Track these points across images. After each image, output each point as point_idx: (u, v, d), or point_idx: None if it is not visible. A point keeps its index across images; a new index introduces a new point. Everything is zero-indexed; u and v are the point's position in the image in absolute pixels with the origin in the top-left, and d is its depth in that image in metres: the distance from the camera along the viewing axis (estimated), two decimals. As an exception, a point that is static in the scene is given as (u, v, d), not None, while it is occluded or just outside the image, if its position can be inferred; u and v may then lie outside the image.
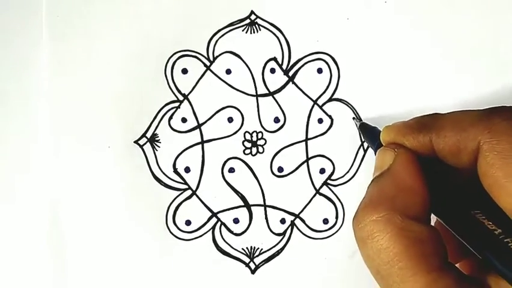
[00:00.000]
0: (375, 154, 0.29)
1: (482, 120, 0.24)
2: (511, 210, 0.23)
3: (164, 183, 0.34)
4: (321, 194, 0.34)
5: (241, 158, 0.34)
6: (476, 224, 0.24)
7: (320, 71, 0.34)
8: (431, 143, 0.25)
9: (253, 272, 0.34)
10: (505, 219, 0.23)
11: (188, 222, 0.34)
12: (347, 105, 0.34)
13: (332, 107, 0.34)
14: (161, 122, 0.34)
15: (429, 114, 0.26)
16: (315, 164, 0.34)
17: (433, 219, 0.26)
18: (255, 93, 0.34)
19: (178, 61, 0.34)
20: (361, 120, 0.33)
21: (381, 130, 0.28)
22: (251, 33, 0.34)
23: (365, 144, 0.34)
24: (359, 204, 0.25)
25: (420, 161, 0.26)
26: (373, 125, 0.32)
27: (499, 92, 0.33)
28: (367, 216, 0.24)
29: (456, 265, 0.29)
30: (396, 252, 0.22)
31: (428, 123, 0.26)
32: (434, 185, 0.25)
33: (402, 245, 0.22)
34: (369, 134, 0.31)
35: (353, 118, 0.33)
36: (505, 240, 0.23)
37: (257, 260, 0.34)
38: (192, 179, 0.34)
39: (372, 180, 0.26)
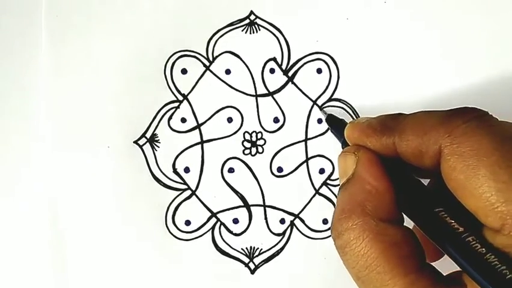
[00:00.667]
0: (342, 147, 0.29)
1: (443, 123, 0.24)
2: (475, 211, 0.23)
3: (163, 183, 0.34)
4: (320, 194, 0.34)
5: (241, 158, 0.34)
6: (439, 222, 0.24)
7: (319, 71, 0.34)
8: (394, 145, 0.25)
9: (252, 272, 0.34)
10: (467, 217, 0.23)
11: (187, 223, 0.34)
12: (347, 106, 0.34)
13: (331, 107, 0.34)
14: (161, 122, 0.34)
15: (393, 115, 0.26)
16: (315, 164, 0.34)
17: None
18: (254, 94, 0.34)
19: (177, 61, 0.34)
20: (322, 109, 0.33)
21: (347, 123, 0.29)
22: (250, 33, 0.34)
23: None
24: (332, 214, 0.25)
25: (383, 161, 0.26)
26: (340, 118, 0.32)
27: (499, 92, 0.33)
28: (342, 225, 0.24)
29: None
30: (373, 257, 0.23)
31: (391, 125, 0.26)
32: (399, 184, 0.25)
33: (379, 249, 0.23)
34: (336, 126, 0.31)
35: (320, 109, 0.33)
36: (467, 239, 0.23)
37: (257, 260, 0.34)
38: (191, 179, 0.34)
39: (340, 188, 0.26)
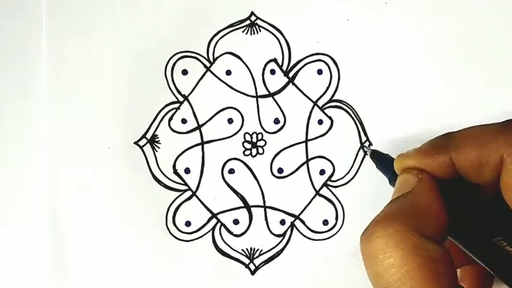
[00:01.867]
0: (389, 183, 0.29)
1: (502, 133, 0.23)
2: None
3: (164, 184, 0.34)
4: (321, 195, 0.34)
5: (241, 159, 0.34)
6: (498, 251, 0.23)
7: (320, 72, 0.34)
8: (451, 161, 0.25)
9: (253, 273, 0.34)
10: None
11: (188, 223, 0.34)
12: (347, 107, 0.34)
13: (332, 108, 0.34)
14: (161, 123, 0.34)
15: (443, 135, 0.26)
16: (315, 165, 0.34)
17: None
18: (255, 94, 0.34)
19: (178, 62, 0.34)
20: (370, 145, 0.33)
21: (393, 158, 0.28)
22: (251, 34, 0.34)
23: (365, 145, 0.34)
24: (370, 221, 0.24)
25: (440, 186, 0.25)
26: (384, 152, 0.31)
27: (500, 93, 0.33)
28: (380, 229, 0.23)
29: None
30: (408, 270, 0.22)
31: (444, 143, 0.25)
32: (455, 210, 0.25)
33: (416, 263, 0.22)
34: (382, 161, 0.31)
35: (363, 147, 0.33)
36: None
37: (257, 261, 0.34)
38: (191, 180, 0.34)
39: (390, 201, 0.25)
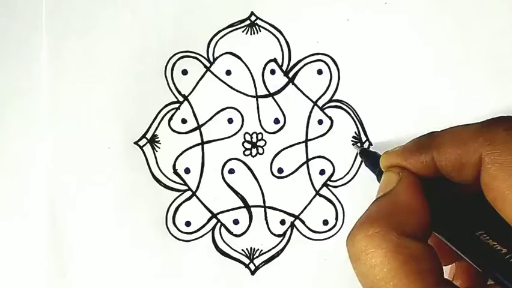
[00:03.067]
0: (377, 180, 0.29)
1: (482, 132, 0.23)
2: None
3: (164, 184, 0.34)
4: (321, 195, 0.34)
5: (241, 159, 0.34)
6: (481, 245, 0.23)
7: (320, 72, 0.34)
8: (433, 161, 0.25)
9: (253, 273, 0.34)
10: (510, 236, 0.23)
11: (188, 223, 0.34)
12: (347, 107, 0.34)
13: (331, 108, 0.34)
14: (161, 123, 0.34)
15: (426, 134, 0.26)
16: (315, 165, 0.34)
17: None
18: (255, 94, 0.34)
19: (178, 62, 0.34)
20: (361, 143, 0.33)
21: (381, 155, 0.28)
22: (251, 34, 0.34)
23: (365, 145, 0.34)
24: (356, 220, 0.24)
25: (424, 183, 0.25)
26: (373, 150, 0.32)
27: (500, 93, 0.33)
28: (361, 231, 0.23)
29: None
30: (390, 269, 0.22)
31: (427, 142, 0.25)
32: (438, 207, 0.25)
33: (398, 262, 0.22)
34: (370, 159, 0.31)
35: (353, 143, 0.33)
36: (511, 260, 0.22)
37: (257, 261, 0.34)
38: (191, 180, 0.34)
39: (373, 201, 0.26)
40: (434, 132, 0.26)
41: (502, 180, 0.22)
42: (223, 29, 0.34)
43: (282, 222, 0.34)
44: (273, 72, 0.34)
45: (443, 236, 0.25)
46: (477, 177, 0.24)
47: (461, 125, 0.25)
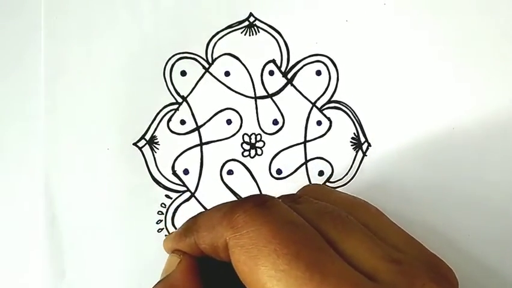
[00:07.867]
0: None
1: (226, 215, 0.23)
2: None
3: (163, 185, 0.34)
4: (319, 196, 0.34)
5: (240, 160, 0.34)
6: None
7: (318, 73, 0.34)
8: (196, 245, 0.25)
9: (251, 274, 0.34)
10: None
11: (187, 224, 0.34)
12: (346, 108, 0.34)
13: (330, 109, 0.34)
14: (160, 124, 0.34)
15: (191, 217, 0.26)
16: (314, 166, 0.34)
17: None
18: (253, 96, 0.34)
19: (176, 63, 0.34)
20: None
21: None
22: (250, 35, 0.34)
23: (364, 147, 0.34)
24: None
25: (202, 262, 0.26)
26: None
27: (500, 93, 0.33)
28: None
29: None
30: None
31: (190, 225, 0.25)
32: (214, 285, 0.25)
33: None
34: None
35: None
36: None
37: (255, 262, 0.34)
38: (190, 181, 0.34)
39: (155, 283, 0.26)
40: (198, 215, 0.26)
41: (244, 263, 0.22)
42: (221, 30, 0.34)
43: (281, 223, 0.34)
44: (271, 73, 0.34)
45: None
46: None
47: (217, 206, 0.25)
